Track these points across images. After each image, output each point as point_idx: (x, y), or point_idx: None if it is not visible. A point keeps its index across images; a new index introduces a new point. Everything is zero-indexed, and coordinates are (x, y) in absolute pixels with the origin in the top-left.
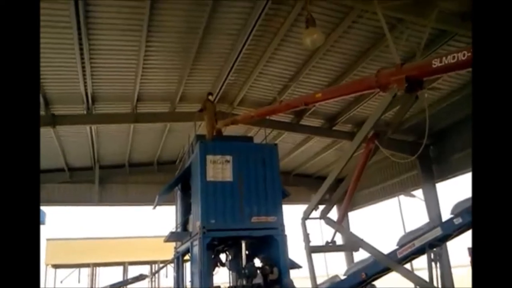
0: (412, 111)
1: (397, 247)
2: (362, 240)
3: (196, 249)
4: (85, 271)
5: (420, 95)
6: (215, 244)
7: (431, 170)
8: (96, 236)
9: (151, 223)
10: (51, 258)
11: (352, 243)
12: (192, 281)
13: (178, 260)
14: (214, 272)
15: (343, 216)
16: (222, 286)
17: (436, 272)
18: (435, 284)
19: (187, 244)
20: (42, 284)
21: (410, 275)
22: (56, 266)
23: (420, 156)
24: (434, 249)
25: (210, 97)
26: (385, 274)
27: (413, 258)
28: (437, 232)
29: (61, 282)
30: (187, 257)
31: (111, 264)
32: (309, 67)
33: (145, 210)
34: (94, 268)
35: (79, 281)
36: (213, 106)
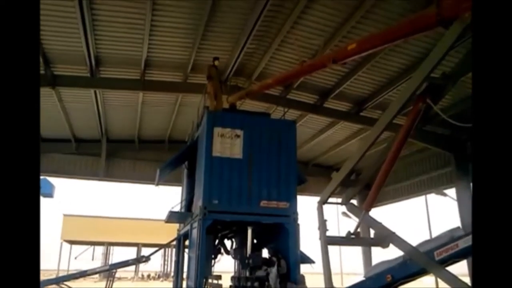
0: (449, 99)
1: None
2: (394, 233)
3: (195, 232)
4: (100, 250)
5: None
6: (219, 228)
7: (467, 168)
8: (112, 216)
9: (166, 205)
10: (67, 234)
11: (381, 237)
12: (188, 267)
13: (179, 243)
14: (216, 260)
15: (373, 202)
16: (224, 275)
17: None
18: None
19: (189, 227)
20: (56, 259)
21: (454, 281)
22: (71, 242)
23: (456, 152)
24: None
25: (216, 62)
26: (415, 279)
27: (454, 262)
28: None
29: (75, 258)
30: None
31: (125, 244)
32: (339, 38)
33: (159, 191)
34: (109, 247)
35: (93, 259)
36: (218, 74)
